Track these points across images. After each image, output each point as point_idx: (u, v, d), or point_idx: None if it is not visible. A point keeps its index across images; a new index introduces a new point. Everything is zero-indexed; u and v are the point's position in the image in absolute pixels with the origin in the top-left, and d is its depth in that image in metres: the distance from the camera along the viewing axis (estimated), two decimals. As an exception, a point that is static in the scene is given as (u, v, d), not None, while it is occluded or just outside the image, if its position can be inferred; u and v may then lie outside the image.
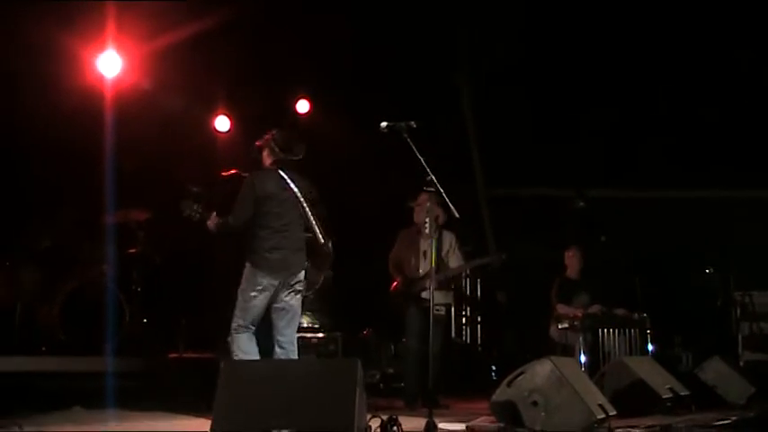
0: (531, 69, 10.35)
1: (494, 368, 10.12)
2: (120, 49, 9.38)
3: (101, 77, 9.44)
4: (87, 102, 9.37)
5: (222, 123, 10.97)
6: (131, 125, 9.44)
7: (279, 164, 6.78)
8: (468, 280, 11.09)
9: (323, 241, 6.74)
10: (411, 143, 6.06)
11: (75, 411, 6.97)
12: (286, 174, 6.76)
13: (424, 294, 7.84)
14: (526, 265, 9.96)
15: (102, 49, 9.30)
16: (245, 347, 6.45)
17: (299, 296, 6.68)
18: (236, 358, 6.39)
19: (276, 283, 6.53)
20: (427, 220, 7.88)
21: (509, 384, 6.19)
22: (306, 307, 9.84)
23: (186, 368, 8.13)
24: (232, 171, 8.13)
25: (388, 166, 9.28)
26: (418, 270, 8.12)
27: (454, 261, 8.20)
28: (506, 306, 11.05)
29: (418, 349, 7.83)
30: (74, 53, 9.18)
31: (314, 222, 6.72)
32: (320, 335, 9.49)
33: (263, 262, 6.51)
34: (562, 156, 10.64)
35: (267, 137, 6.88)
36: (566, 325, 8.72)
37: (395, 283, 8.23)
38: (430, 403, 6.12)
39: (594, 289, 9.07)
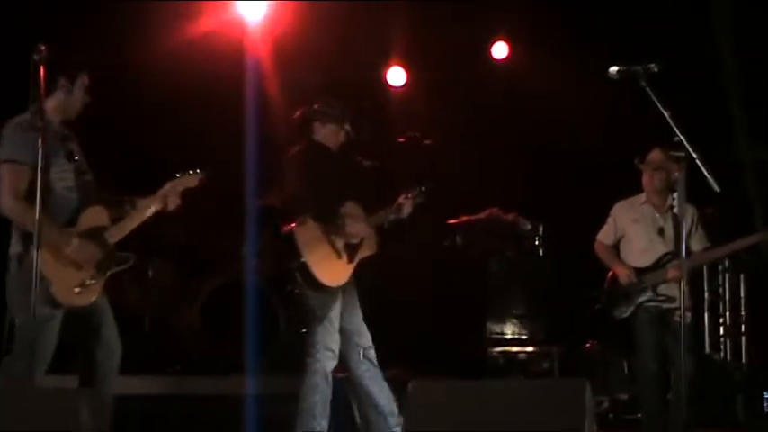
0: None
1: (766, 395, 9.82)
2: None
3: (241, 22, 9.65)
4: (225, 54, 9.60)
5: (396, 76, 11.13)
6: (278, 82, 9.62)
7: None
8: (726, 276, 10.75)
9: None
10: (651, 93, 5.91)
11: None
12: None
13: (663, 290, 7.64)
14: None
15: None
16: None
17: None
18: None
19: None
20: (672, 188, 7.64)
21: (793, 417, 5.98)
22: (510, 313, 9.90)
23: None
24: (411, 134, 8.17)
25: (619, 125, 9.10)
26: (655, 254, 7.82)
27: (697, 243, 7.81)
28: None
29: (656, 370, 7.63)
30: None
31: None
32: (530, 348, 9.45)
33: None
34: None
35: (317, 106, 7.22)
36: None
37: (610, 275, 7.98)
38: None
39: None
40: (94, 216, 6.02)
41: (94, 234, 5.95)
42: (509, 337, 9.58)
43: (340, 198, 7.05)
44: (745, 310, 10.30)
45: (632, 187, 8.04)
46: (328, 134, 7.16)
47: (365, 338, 7.19)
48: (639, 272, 7.81)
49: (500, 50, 11.09)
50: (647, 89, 5.92)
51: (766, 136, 10.60)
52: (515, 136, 10.74)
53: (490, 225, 9.84)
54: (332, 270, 6.94)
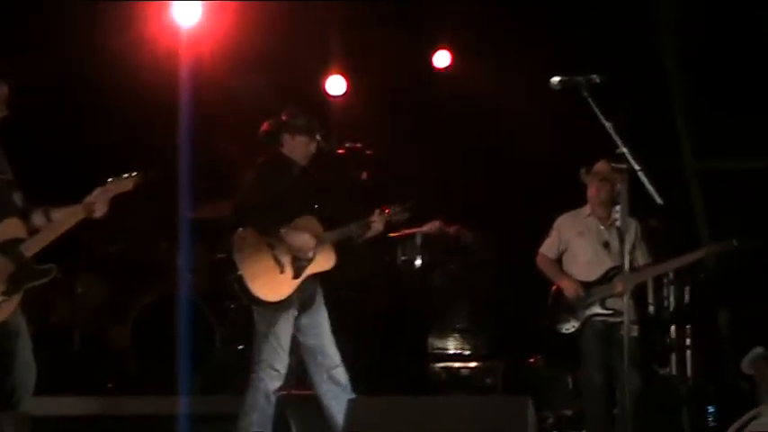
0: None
1: (710, 409, 9.90)
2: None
3: (175, 27, 9.61)
4: (160, 60, 9.55)
5: (336, 85, 11.09)
6: (214, 90, 9.58)
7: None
8: (671, 288, 10.85)
9: None
10: (593, 104, 5.95)
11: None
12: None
13: (611, 304, 7.70)
14: (757, 268, 9.65)
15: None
16: None
17: None
18: None
19: None
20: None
21: (738, 432, 6.06)
22: (453, 327, 9.90)
23: (299, 409, 8.16)
24: (351, 145, 8.15)
25: (564, 135, 9.15)
26: (601, 268, 7.88)
27: (641, 257, 7.95)
28: (728, 323, 10.76)
29: (601, 384, 7.70)
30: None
31: None
32: (472, 364, 9.46)
33: None
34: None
35: (286, 118, 7.17)
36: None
37: (554, 288, 8.04)
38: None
39: None
40: (9, 228, 5.83)
41: (8, 247, 5.77)
42: (451, 352, 9.57)
43: (296, 212, 7.01)
44: (690, 323, 10.39)
45: (577, 198, 8.09)
46: (298, 146, 7.14)
47: (330, 358, 7.11)
48: (586, 286, 7.86)
49: (442, 59, 11.12)
50: (589, 100, 5.93)
51: (711, 146, 10.71)
52: (458, 146, 10.76)
53: (433, 238, 9.84)
54: (271, 284, 6.90)
